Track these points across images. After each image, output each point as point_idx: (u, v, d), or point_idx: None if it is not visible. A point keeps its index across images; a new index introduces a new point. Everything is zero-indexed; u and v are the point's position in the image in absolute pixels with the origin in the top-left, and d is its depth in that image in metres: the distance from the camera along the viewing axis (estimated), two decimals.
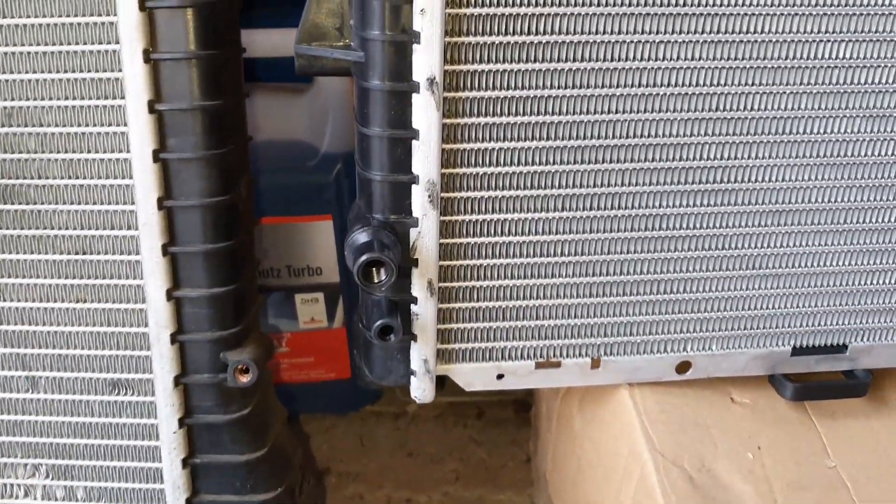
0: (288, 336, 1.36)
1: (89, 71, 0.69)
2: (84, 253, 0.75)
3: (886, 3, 0.73)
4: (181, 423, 0.81)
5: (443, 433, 1.46)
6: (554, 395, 1.07)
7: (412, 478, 1.37)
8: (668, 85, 0.74)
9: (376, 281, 0.73)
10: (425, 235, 0.76)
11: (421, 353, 0.82)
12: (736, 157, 0.78)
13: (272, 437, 0.87)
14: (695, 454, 0.84)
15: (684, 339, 0.89)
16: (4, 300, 0.77)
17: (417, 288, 0.79)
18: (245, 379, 0.78)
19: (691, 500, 0.79)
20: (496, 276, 0.82)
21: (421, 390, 0.84)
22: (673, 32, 0.72)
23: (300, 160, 1.23)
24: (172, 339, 0.77)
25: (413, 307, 0.80)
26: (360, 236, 0.74)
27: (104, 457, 0.83)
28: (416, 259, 0.77)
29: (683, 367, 0.90)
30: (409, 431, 1.46)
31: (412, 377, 0.84)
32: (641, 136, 0.76)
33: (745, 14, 0.72)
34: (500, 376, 0.87)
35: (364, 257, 0.70)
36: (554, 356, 0.88)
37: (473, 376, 0.86)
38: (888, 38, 0.75)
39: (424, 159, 0.72)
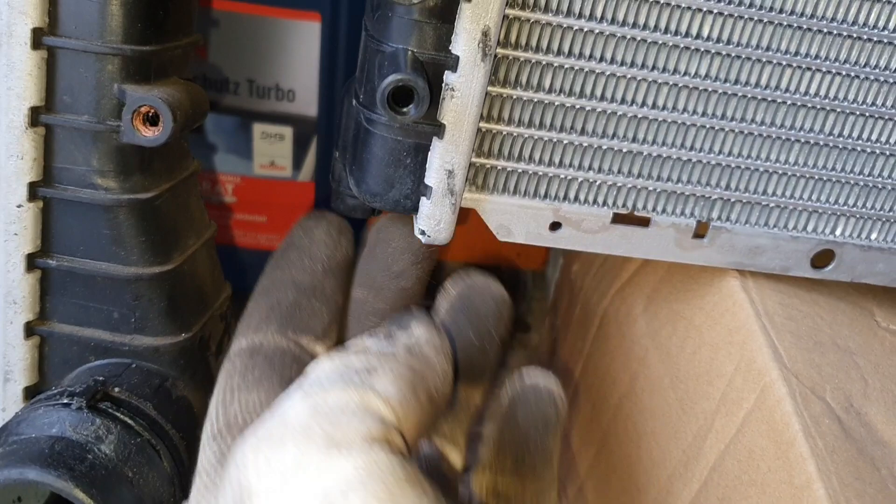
0: (236, 181, 1.03)
1: None
2: None
3: None
4: (33, 192, 0.49)
5: None
6: (597, 288, 0.76)
7: None
8: None
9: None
10: None
11: (446, 158, 0.51)
12: None
13: (184, 253, 0.55)
14: (838, 387, 0.54)
15: (834, 213, 0.58)
16: None
17: (462, 40, 0.47)
18: (150, 133, 0.46)
19: (843, 449, 0.49)
20: (577, 54, 0.50)
21: (434, 221, 0.53)
22: None
23: None
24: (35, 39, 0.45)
25: (449, 76, 0.48)
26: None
27: None
28: None
29: (824, 258, 0.60)
30: None
31: (423, 198, 0.52)
32: None
33: None
34: (555, 225, 0.56)
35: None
36: (642, 208, 0.56)
37: (515, 218, 0.55)
38: None
39: None
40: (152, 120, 0.48)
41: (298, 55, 0.94)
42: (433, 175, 0.51)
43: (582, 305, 0.78)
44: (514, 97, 0.51)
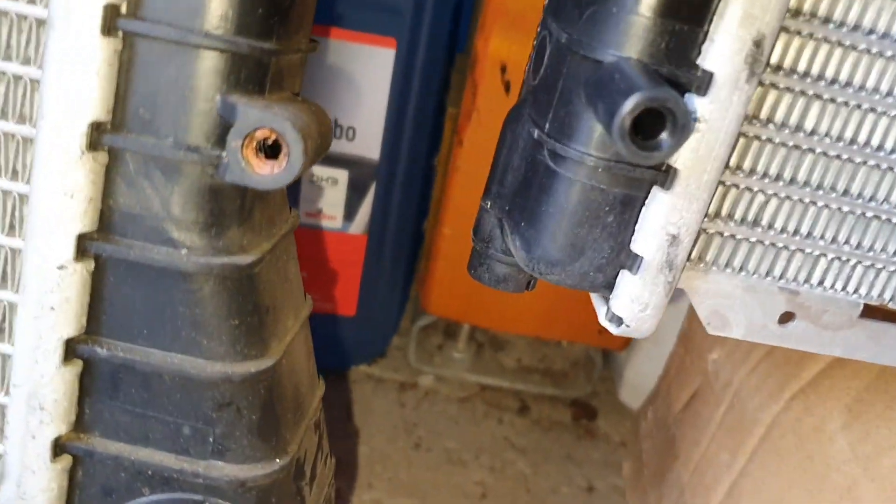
0: None
1: None
2: None
3: None
4: (82, 247, 0.33)
5: (469, 425, 0.99)
6: (760, 387, 0.60)
7: (414, 480, 0.90)
8: None
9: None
10: None
11: (672, 218, 0.36)
12: None
13: (283, 341, 0.39)
14: None
15: None
16: None
17: (723, 50, 0.33)
18: (267, 169, 0.31)
19: None
20: (869, 88, 0.36)
21: (639, 306, 0.37)
22: None
23: None
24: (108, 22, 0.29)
25: (693, 101, 0.34)
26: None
27: None
28: None
29: None
30: (419, 412, 0.99)
31: (624, 273, 0.37)
32: None
33: None
34: (786, 317, 0.41)
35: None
36: (893, 298, 0.41)
37: (737, 304, 0.40)
38: None
39: None
40: (269, 151, 0.32)
41: (365, 87, 0.79)
42: (649, 240, 0.36)
43: (731, 407, 0.62)
44: (770, 140, 0.37)
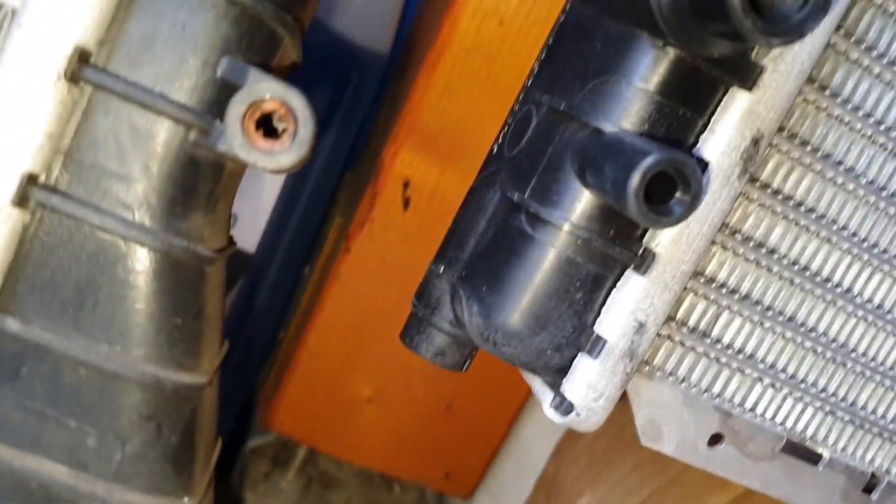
0: None
1: None
2: None
3: None
4: (25, 192, 0.27)
5: None
6: None
7: None
8: None
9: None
10: None
11: (642, 304, 0.35)
12: None
13: (214, 362, 0.33)
14: None
15: None
16: None
17: (721, 141, 0.34)
18: (268, 146, 0.27)
19: None
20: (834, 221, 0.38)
21: (594, 394, 0.36)
22: None
23: None
24: None
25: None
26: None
27: None
28: None
29: None
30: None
31: (582, 356, 0.35)
32: None
33: None
34: (715, 439, 0.40)
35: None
36: (822, 440, 0.42)
37: (673, 416, 0.39)
38: None
39: None
40: (267, 130, 0.28)
41: (259, 176, 0.76)
42: (615, 324, 0.35)
43: None
44: (733, 251, 0.37)
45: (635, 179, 0.30)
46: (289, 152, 0.28)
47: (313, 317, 0.81)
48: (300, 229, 0.82)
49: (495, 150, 0.40)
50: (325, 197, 0.84)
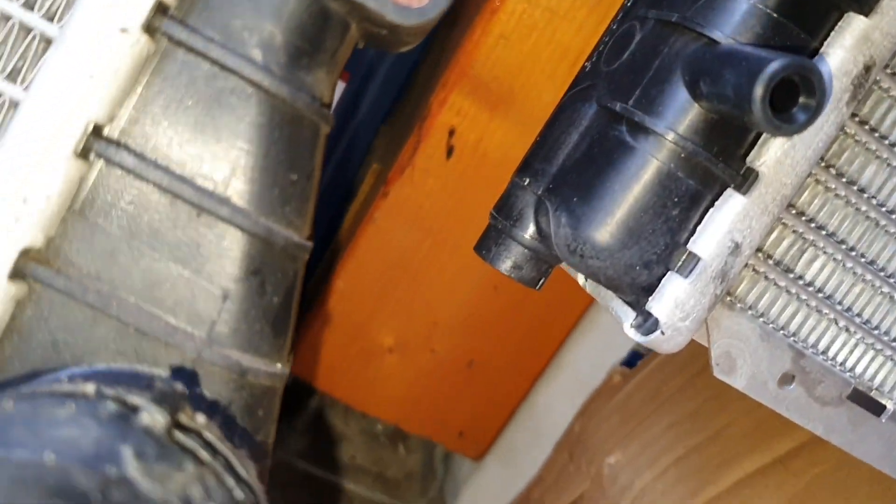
0: None
1: None
2: None
3: None
4: None
5: None
6: (661, 491, 0.57)
7: None
8: None
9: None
10: None
11: (740, 224, 0.34)
12: None
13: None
14: None
15: None
16: None
17: (837, 55, 0.33)
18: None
19: None
20: None
21: (681, 313, 0.35)
22: None
23: None
24: None
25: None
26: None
27: None
28: None
29: None
30: None
31: (672, 275, 0.35)
32: None
33: None
34: (786, 379, 0.40)
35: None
36: (888, 390, 0.42)
37: (750, 349, 0.38)
38: None
39: None
40: None
41: None
42: (710, 243, 0.34)
43: None
44: (828, 188, 0.36)
45: (762, 83, 0.29)
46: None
47: (343, 260, 0.80)
48: (336, 179, 0.81)
49: (588, 68, 0.40)
50: (364, 148, 0.83)
